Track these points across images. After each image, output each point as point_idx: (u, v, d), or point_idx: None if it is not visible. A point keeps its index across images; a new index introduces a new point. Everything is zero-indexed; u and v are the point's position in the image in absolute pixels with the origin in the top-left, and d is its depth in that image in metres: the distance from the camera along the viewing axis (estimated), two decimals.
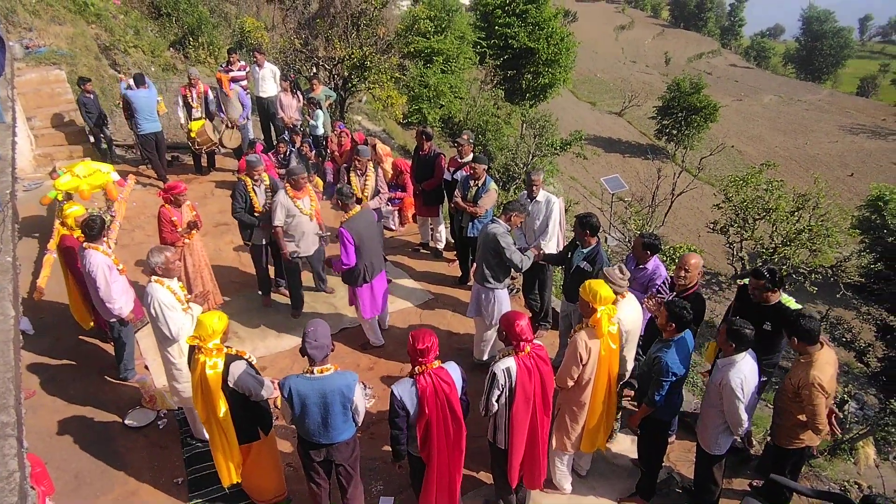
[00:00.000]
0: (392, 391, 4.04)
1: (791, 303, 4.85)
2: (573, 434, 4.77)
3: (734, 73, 63.36)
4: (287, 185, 6.69)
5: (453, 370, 4.15)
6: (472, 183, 7.17)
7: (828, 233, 15.56)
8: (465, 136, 8.11)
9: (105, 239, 5.92)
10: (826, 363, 4.32)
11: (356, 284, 6.28)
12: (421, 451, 4.21)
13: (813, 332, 4.27)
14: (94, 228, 5.62)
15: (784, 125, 45.31)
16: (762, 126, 44.73)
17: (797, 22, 78.53)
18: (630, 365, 5.10)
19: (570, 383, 4.55)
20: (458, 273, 8.20)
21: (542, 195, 6.64)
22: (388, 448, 5.51)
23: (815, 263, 15.69)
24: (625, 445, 5.65)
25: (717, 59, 69.68)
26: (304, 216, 6.71)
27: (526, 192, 6.74)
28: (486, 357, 6.38)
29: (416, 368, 4.02)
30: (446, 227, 8.93)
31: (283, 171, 10.79)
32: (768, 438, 5.18)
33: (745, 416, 4.28)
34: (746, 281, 5.14)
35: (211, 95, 10.47)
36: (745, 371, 4.23)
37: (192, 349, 4.30)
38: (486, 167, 7.14)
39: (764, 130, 43.66)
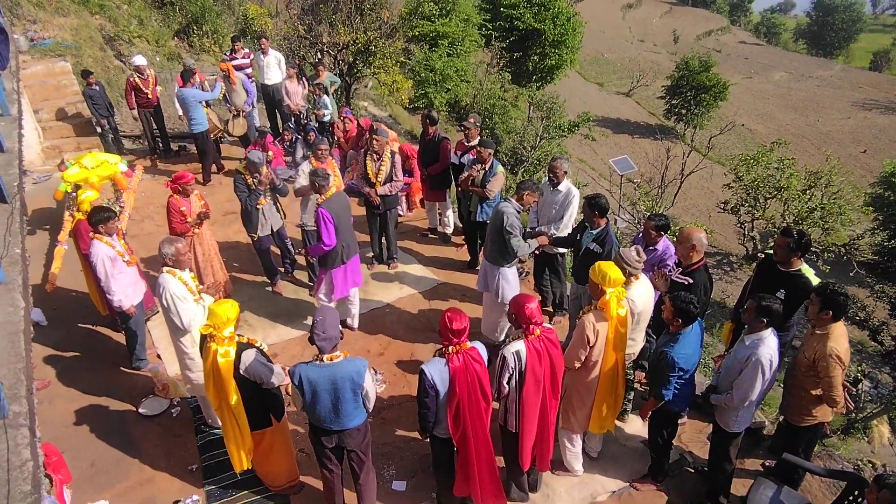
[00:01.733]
0: (422, 370, 4.04)
1: (810, 274, 4.80)
2: (580, 414, 4.77)
3: (744, 50, 62.44)
4: (311, 155, 7.03)
5: (483, 350, 4.17)
6: (478, 167, 7.12)
7: (840, 210, 15.36)
8: (472, 120, 8.05)
9: (118, 226, 5.95)
10: (841, 335, 4.34)
11: (334, 266, 6.29)
12: (453, 433, 4.21)
13: (847, 307, 4.27)
14: (95, 216, 5.65)
15: (795, 102, 44.66)
16: (773, 104, 44.11)
17: None
18: (640, 346, 5.08)
19: (577, 365, 4.55)
20: (467, 258, 8.18)
21: (564, 184, 6.54)
22: (400, 433, 5.57)
23: (827, 242, 15.51)
24: (636, 426, 5.64)
25: (726, 37, 68.64)
26: None
27: (548, 178, 6.64)
28: (502, 337, 6.39)
29: (449, 348, 4.02)
30: (454, 212, 8.90)
31: (288, 158, 10.80)
32: (780, 419, 5.16)
33: (756, 394, 4.25)
34: (769, 251, 5.10)
35: (207, 85, 10.42)
36: (773, 347, 4.21)
37: (203, 337, 4.33)
38: (492, 151, 7.08)
39: (775, 108, 43.06)
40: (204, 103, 10.15)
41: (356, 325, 6.90)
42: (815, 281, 4.79)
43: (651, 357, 4.77)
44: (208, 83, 10.31)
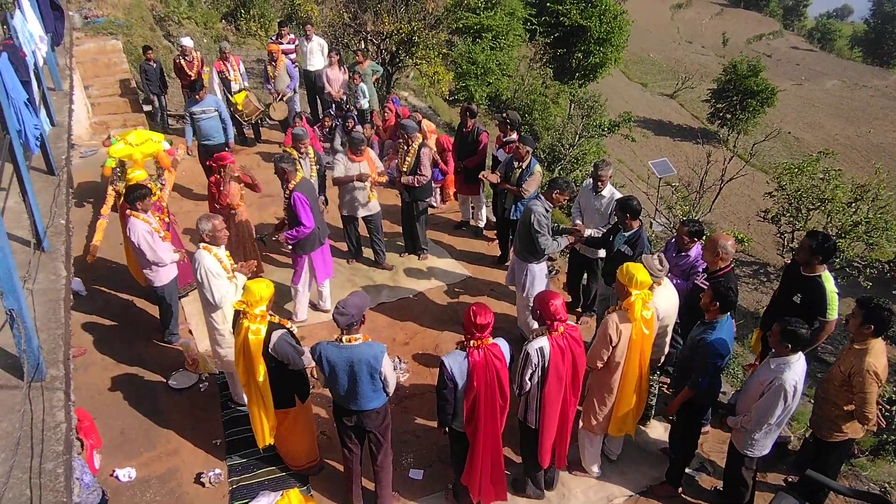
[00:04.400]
0: (443, 362, 4.09)
1: (829, 283, 4.68)
2: (600, 415, 4.75)
3: (796, 55, 60.70)
4: (349, 150, 7.11)
5: (504, 347, 4.18)
6: (515, 164, 7.09)
7: (886, 226, 14.88)
8: (505, 116, 8.01)
9: (162, 201, 6.10)
10: (881, 352, 4.23)
11: (313, 249, 6.39)
12: (466, 426, 4.25)
13: (890, 323, 4.16)
14: (131, 193, 5.80)
15: (847, 112, 43.26)
16: (823, 112, 42.82)
17: (867, 2, 74.62)
18: (665, 351, 5.03)
19: (600, 364, 4.53)
20: (498, 253, 8.17)
21: (607, 190, 6.48)
22: (420, 422, 5.63)
23: (871, 258, 15.06)
24: (658, 432, 5.60)
25: (777, 41, 66.80)
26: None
27: (592, 184, 6.58)
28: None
29: (471, 342, 4.05)
30: (488, 207, 8.89)
31: (327, 144, 10.91)
32: (808, 434, 5.05)
33: (775, 419, 4.13)
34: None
35: (242, 68, 10.60)
36: (799, 373, 4.05)
37: (237, 314, 4.44)
38: (530, 149, 7.03)
39: (824, 117, 41.79)
40: (242, 86, 10.32)
41: (329, 305, 6.91)
42: (832, 291, 4.67)
43: (685, 348, 4.70)
44: (244, 66, 10.52)
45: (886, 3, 70.43)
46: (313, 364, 4.35)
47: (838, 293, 4.74)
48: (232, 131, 9.12)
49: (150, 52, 10.55)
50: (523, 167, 7.02)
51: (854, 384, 4.21)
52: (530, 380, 4.24)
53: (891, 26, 68.85)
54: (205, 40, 14.99)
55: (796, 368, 4.04)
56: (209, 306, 5.13)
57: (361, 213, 7.38)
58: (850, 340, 4.36)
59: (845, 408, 4.37)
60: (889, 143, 37.39)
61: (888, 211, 15.29)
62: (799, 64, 56.24)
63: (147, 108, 11.41)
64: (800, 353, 4.08)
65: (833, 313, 4.69)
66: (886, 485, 5.50)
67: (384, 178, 7.53)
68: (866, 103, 45.62)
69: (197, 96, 8.56)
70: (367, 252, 7.96)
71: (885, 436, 6.80)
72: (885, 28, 69.43)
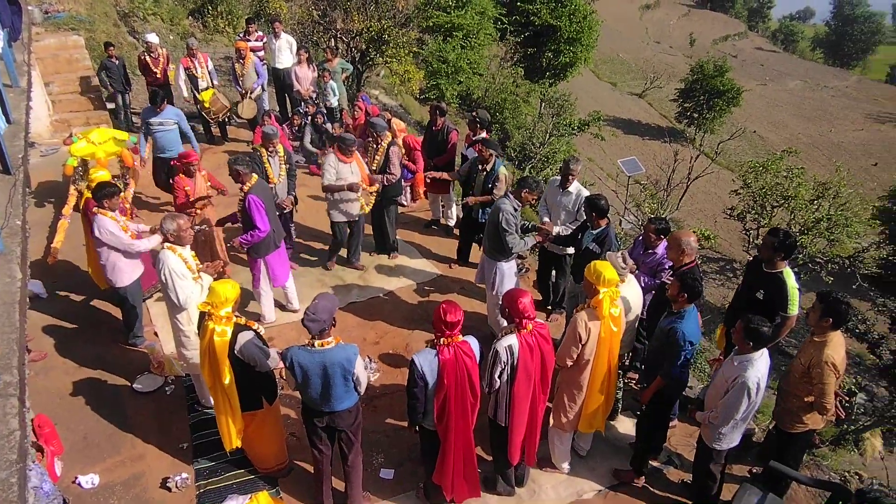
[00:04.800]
0: (413, 360, 4.07)
1: (790, 279, 4.78)
2: (570, 413, 4.78)
3: (760, 56, 61.96)
4: (336, 149, 6.93)
5: (475, 345, 4.18)
6: (480, 167, 7.08)
7: (847, 223, 15.27)
8: (475, 114, 8.02)
9: (125, 202, 5.97)
10: (839, 344, 4.35)
11: (268, 252, 6.32)
12: (437, 425, 4.24)
13: (847, 316, 4.27)
14: (100, 191, 5.67)
15: (809, 111, 44.33)
16: (786, 112, 43.81)
17: (828, 5, 76.52)
18: (631, 346, 5.09)
19: (569, 363, 4.56)
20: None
21: (573, 186, 6.52)
22: (390, 421, 5.60)
23: (832, 253, 15.44)
24: (626, 426, 5.66)
25: (743, 42, 68.09)
26: (351, 180, 6.93)
27: (560, 180, 6.60)
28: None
29: (441, 340, 4.03)
30: (458, 205, 8.89)
31: (296, 143, 10.79)
32: (771, 425, 5.16)
33: (740, 415, 4.19)
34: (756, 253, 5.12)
35: (210, 65, 10.45)
36: (762, 370, 4.11)
37: (202, 315, 4.36)
38: (494, 153, 7.01)
39: (788, 116, 42.77)
40: (210, 83, 10.18)
41: (297, 305, 6.87)
42: (793, 287, 4.77)
43: (656, 338, 4.76)
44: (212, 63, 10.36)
45: (846, 5, 72.39)
46: (281, 366, 4.29)
47: (799, 289, 4.84)
48: (196, 145, 8.83)
49: (113, 48, 10.32)
50: (487, 170, 7.03)
51: (813, 376, 4.32)
52: (500, 377, 4.24)
53: (850, 28, 70.84)
54: (171, 37, 14.71)
55: (759, 365, 4.11)
56: (174, 307, 5.03)
57: (355, 213, 7.29)
58: (811, 333, 4.46)
59: (805, 399, 4.48)
60: (849, 141, 38.43)
61: (848, 208, 15.68)
62: (763, 64, 57.44)
63: (111, 105, 11.16)
64: (763, 349, 4.15)
65: (794, 309, 4.79)
66: (846, 473, 5.66)
67: (375, 188, 7.34)
68: (827, 103, 46.83)
69: (157, 108, 8.08)
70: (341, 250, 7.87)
71: (845, 426, 6.99)
72: (845, 30, 71.39)
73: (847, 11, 71.89)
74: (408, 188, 9.39)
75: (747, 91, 36.65)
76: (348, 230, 7.52)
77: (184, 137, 8.50)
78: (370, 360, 6.22)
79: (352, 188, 6.92)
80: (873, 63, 70.93)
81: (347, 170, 6.92)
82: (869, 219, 17.02)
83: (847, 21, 71.47)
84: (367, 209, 7.41)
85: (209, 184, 6.89)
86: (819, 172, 20.53)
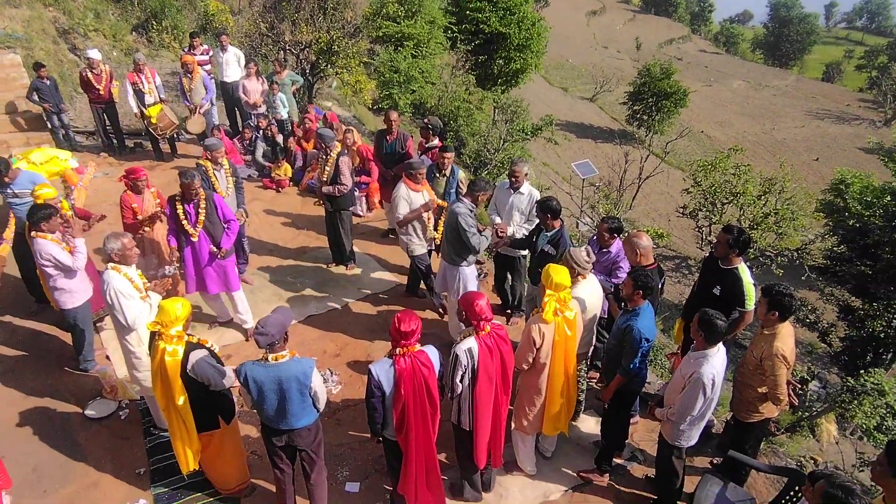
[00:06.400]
0: (369, 370, 4.02)
1: (745, 275, 4.91)
2: (531, 415, 4.79)
3: (704, 58, 63.92)
4: (405, 178, 6.54)
5: (433, 354, 4.14)
6: (437, 174, 7.08)
7: (793, 216, 15.80)
8: (427, 121, 8.03)
9: (66, 227, 5.79)
10: (788, 335, 4.46)
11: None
12: (398, 435, 4.19)
13: (792, 308, 4.36)
14: (35, 214, 5.49)
15: (752, 110, 45.90)
16: (731, 111, 45.26)
17: (765, 8, 79.53)
18: (592, 344, 5.14)
19: (526, 367, 4.59)
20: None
21: (525, 188, 6.54)
22: (354, 433, 5.54)
23: (781, 246, 15.95)
24: (589, 425, 5.71)
25: (687, 45, 70.16)
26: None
27: (508, 181, 6.61)
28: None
29: (396, 350, 4.00)
30: None
31: (248, 157, 10.65)
32: (729, 416, 5.28)
33: (696, 411, 4.24)
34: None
35: (158, 80, 10.23)
36: (717, 366, 4.16)
37: (153, 335, 4.23)
38: (452, 154, 7.06)
39: (732, 116, 44.18)
40: (158, 99, 9.98)
41: (251, 320, 6.67)
42: (748, 283, 4.89)
43: (613, 336, 4.81)
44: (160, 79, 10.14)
45: (782, 8, 75.32)
46: (237, 383, 4.19)
47: (755, 284, 4.96)
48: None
49: (44, 69, 9.97)
50: (448, 176, 7.04)
51: (765, 368, 4.44)
52: (461, 381, 4.23)
53: (787, 30, 73.78)
54: (114, 53, 14.35)
55: (714, 361, 4.16)
56: (122, 329, 4.88)
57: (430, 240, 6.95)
58: (761, 326, 4.58)
59: (759, 390, 4.59)
60: (791, 138, 39.91)
61: (794, 202, 16.25)
62: (707, 66, 59.25)
63: (49, 125, 10.81)
64: (719, 345, 4.21)
65: (750, 304, 4.89)
66: (802, 459, 5.82)
67: (441, 203, 6.94)
68: (769, 101, 48.58)
69: (6, 178, 6.51)
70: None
71: (800, 413, 7.20)
72: (782, 31, 74.35)
73: (783, 13, 74.86)
74: (363, 198, 9.33)
75: (693, 92, 37.73)
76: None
77: None
78: (331, 373, 6.14)
79: (427, 207, 6.61)
80: (809, 62, 74.12)
81: (420, 199, 6.57)
82: (813, 212, 17.62)
83: (783, 23, 74.48)
84: (438, 235, 6.92)
85: (157, 201, 6.71)
86: (765, 169, 21.20)
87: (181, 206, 6.05)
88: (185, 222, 6.05)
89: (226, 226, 6.32)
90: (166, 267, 6.17)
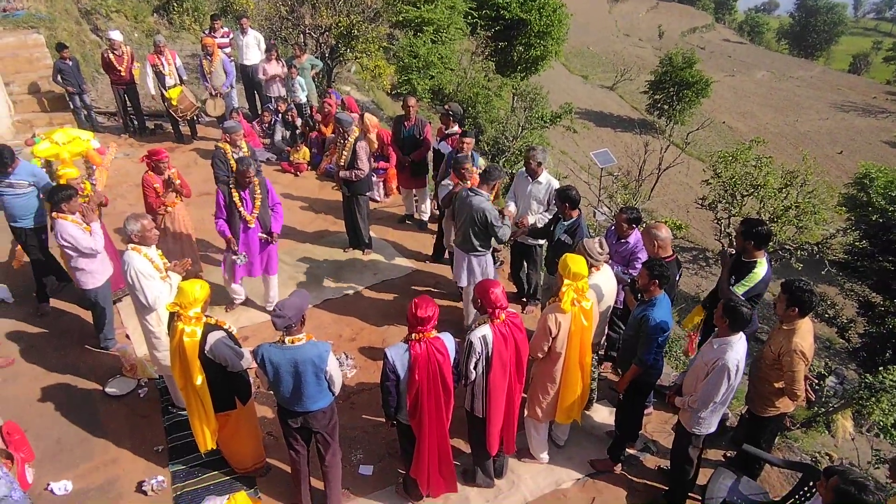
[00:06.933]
0: (385, 353, 4.05)
1: (760, 267, 4.86)
2: (544, 404, 4.81)
3: (727, 48, 62.92)
4: (453, 174, 6.52)
5: (449, 341, 4.16)
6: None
7: (814, 210, 15.57)
8: (447, 108, 7.99)
9: (91, 205, 5.86)
10: (807, 331, 4.42)
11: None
12: (411, 420, 4.23)
13: (812, 304, 4.33)
14: (55, 195, 5.56)
15: (776, 101, 45.17)
16: (754, 102, 44.59)
17: None
18: (605, 334, 5.13)
19: (541, 355, 4.60)
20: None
21: (544, 177, 6.48)
22: (368, 417, 5.59)
23: (801, 240, 15.75)
24: (603, 415, 5.72)
25: (710, 34, 69.09)
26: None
27: (526, 170, 6.53)
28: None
29: (413, 335, 4.02)
30: (432, 199, 8.86)
31: (266, 140, 10.68)
32: (744, 410, 5.25)
33: (720, 397, 4.24)
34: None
35: (178, 62, 10.28)
36: (740, 352, 4.17)
37: (171, 316, 4.29)
38: (472, 140, 7.02)
39: (755, 106, 43.52)
40: (178, 81, 10.03)
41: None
42: (757, 275, 4.85)
43: (630, 327, 4.80)
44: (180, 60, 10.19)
45: None
46: (254, 365, 4.25)
47: (769, 279, 4.91)
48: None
49: (66, 50, 10.05)
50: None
51: (783, 363, 4.41)
52: (475, 368, 4.25)
53: (814, 20, 72.24)
54: (135, 35, 14.44)
55: (737, 348, 4.17)
56: (143, 309, 4.95)
57: None
58: (779, 322, 4.54)
59: (776, 385, 4.56)
60: (814, 130, 39.24)
61: (816, 195, 16.01)
62: (731, 56, 58.32)
63: (71, 106, 10.92)
64: (740, 333, 4.21)
65: (740, 290, 4.86)
66: (817, 454, 5.78)
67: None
68: (793, 93, 47.74)
69: (10, 168, 6.18)
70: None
71: (816, 408, 7.14)
72: (808, 21, 72.81)
73: (810, 3, 73.37)
74: (380, 183, 9.35)
75: (716, 82, 37.21)
76: None
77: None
78: (347, 357, 6.19)
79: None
80: (836, 53, 72.62)
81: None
82: (835, 206, 17.37)
83: (810, 12, 72.96)
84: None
85: (178, 182, 6.77)
86: (787, 161, 20.91)
87: (237, 193, 6.09)
88: (241, 210, 6.10)
89: (272, 209, 6.38)
90: (238, 256, 6.30)
